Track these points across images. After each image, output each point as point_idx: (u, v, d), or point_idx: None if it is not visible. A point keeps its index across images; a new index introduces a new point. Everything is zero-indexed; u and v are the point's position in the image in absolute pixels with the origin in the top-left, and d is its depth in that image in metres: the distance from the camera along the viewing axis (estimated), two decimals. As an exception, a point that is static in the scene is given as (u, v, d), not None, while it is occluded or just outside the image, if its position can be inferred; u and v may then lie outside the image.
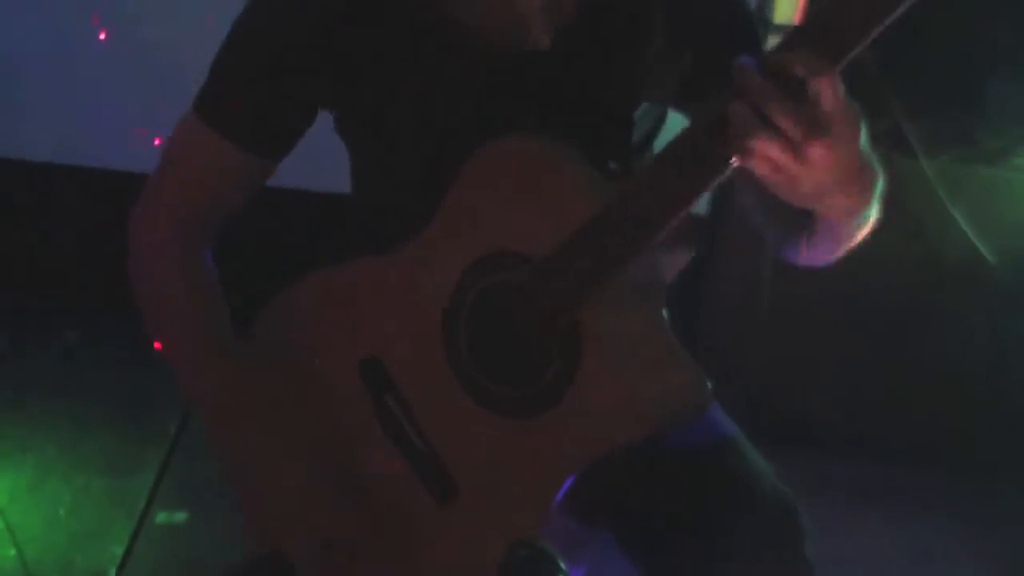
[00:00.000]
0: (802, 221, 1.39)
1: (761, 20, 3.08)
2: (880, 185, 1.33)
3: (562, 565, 1.10)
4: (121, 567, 2.48)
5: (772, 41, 3.01)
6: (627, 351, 1.33)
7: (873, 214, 1.36)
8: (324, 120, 1.60)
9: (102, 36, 3.17)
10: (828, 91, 1.15)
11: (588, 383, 1.33)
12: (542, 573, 1.08)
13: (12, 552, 2.46)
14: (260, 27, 1.52)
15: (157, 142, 3.21)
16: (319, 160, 1.75)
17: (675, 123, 1.53)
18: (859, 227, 1.38)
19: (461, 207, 1.41)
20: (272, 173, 1.59)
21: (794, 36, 1.20)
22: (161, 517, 2.66)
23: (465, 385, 1.41)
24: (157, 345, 1.62)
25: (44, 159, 3.30)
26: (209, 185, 1.58)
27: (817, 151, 1.17)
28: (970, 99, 3.06)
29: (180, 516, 2.68)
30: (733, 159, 1.21)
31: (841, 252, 1.45)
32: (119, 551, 2.53)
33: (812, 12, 1.18)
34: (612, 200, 1.30)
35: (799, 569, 1.45)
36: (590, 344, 1.33)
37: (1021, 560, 2.89)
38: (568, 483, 1.35)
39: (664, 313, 1.43)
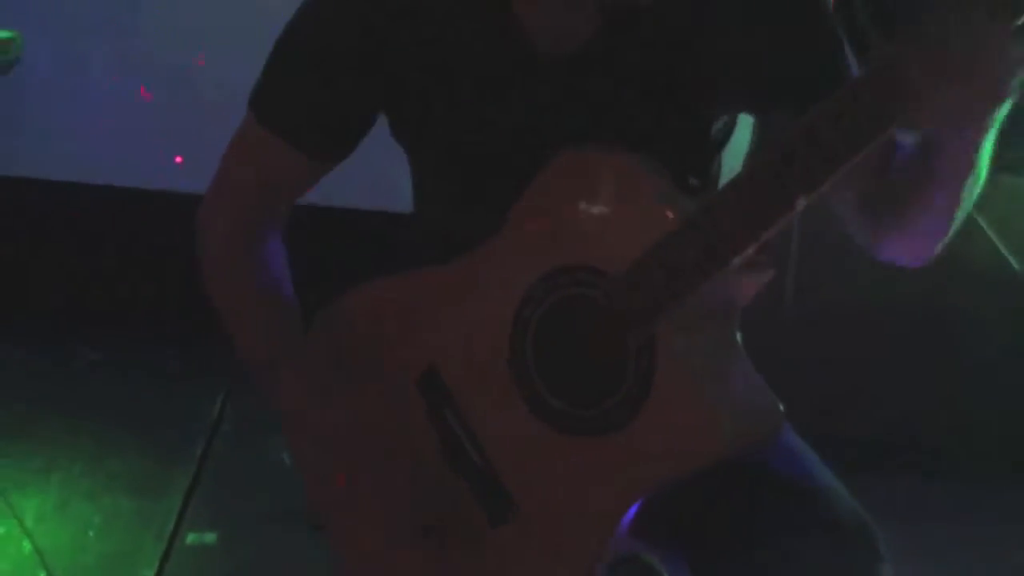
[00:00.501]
0: (907, 210, 1.37)
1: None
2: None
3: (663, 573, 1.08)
4: (152, 589, 2.48)
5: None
6: (703, 374, 1.31)
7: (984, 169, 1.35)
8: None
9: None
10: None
11: (662, 405, 1.31)
12: None
13: (43, 574, 2.46)
14: (312, 28, 1.51)
15: (178, 160, 3.23)
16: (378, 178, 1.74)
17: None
18: (975, 182, 1.35)
19: (533, 217, 1.39)
20: (332, 168, 1.59)
21: None
22: (191, 538, 2.66)
23: (529, 402, 1.38)
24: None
25: (66, 178, 3.32)
26: (267, 183, 1.58)
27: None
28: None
29: (210, 537, 2.67)
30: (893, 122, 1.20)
31: (947, 231, 1.42)
32: (150, 573, 2.52)
33: None
34: (694, 216, 1.28)
35: None
36: (664, 365, 1.31)
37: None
38: (635, 508, 1.33)
39: (738, 336, 1.40)
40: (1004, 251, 3.02)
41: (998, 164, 3.23)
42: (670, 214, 1.30)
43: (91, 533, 2.64)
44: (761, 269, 1.32)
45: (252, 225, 1.60)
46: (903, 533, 2.77)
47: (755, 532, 1.42)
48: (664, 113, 1.45)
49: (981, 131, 1.27)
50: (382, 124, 1.59)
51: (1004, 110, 1.25)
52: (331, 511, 1.55)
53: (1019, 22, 1.16)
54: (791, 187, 1.23)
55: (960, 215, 1.38)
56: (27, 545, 2.54)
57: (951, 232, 1.41)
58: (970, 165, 1.31)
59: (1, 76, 2.77)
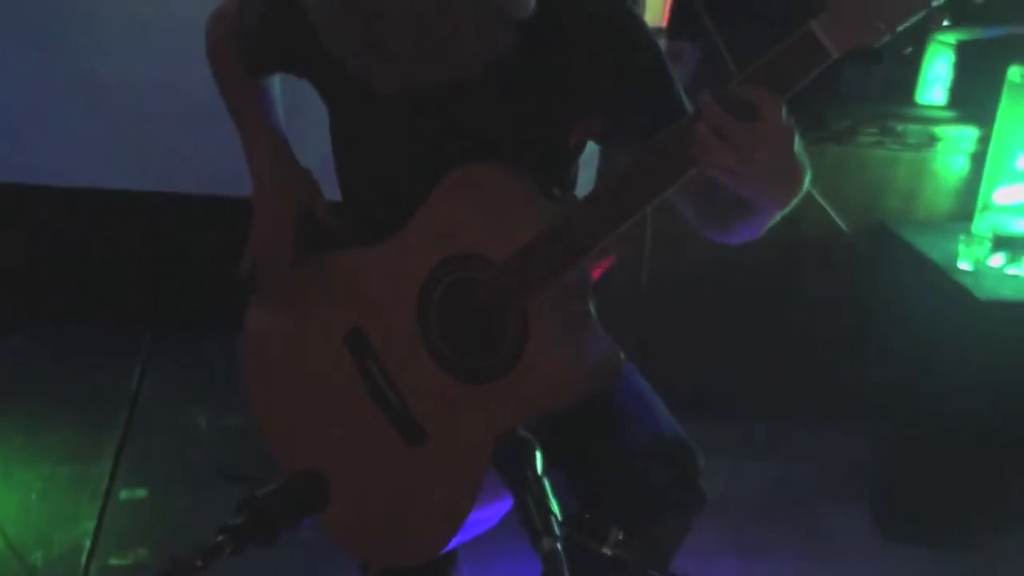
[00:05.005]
0: (733, 214, 1.71)
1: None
2: (808, 177, 1.63)
3: (536, 442, 1.44)
4: (95, 540, 2.78)
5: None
6: (563, 338, 1.72)
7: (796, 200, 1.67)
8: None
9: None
10: (773, 114, 1.51)
11: (533, 358, 1.71)
12: (523, 448, 1.42)
13: (-5, 534, 2.75)
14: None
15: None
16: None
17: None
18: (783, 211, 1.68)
19: (436, 215, 1.77)
20: None
21: (750, 74, 1.54)
22: (124, 495, 2.97)
23: (433, 355, 1.79)
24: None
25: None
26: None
27: (762, 156, 1.52)
28: (822, 83, 3.41)
29: (141, 492, 2.98)
30: (687, 172, 1.55)
31: (766, 227, 1.74)
32: (90, 526, 2.83)
33: (765, 59, 1.53)
34: (558, 220, 1.66)
35: (694, 496, 1.84)
36: (534, 332, 1.71)
37: (884, 495, 3.29)
38: None
39: (591, 304, 1.79)
40: (832, 215, 3.39)
41: (825, 135, 3.56)
42: (538, 215, 1.70)
43: (33, 496, 2.93)
44: (604, 256, 1.72)
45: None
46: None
47: (601, 446, 1.83)
48: (532, 135, 1.82)
49: (784, 189, 1.60)
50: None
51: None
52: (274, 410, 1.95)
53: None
54: (622, 209, 1.63)
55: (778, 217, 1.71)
56: (-23, 510, 2.83)
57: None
58: (776, 198, 1.63)
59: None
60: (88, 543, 2.77)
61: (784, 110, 1.54)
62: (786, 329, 3.59)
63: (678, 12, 3.44)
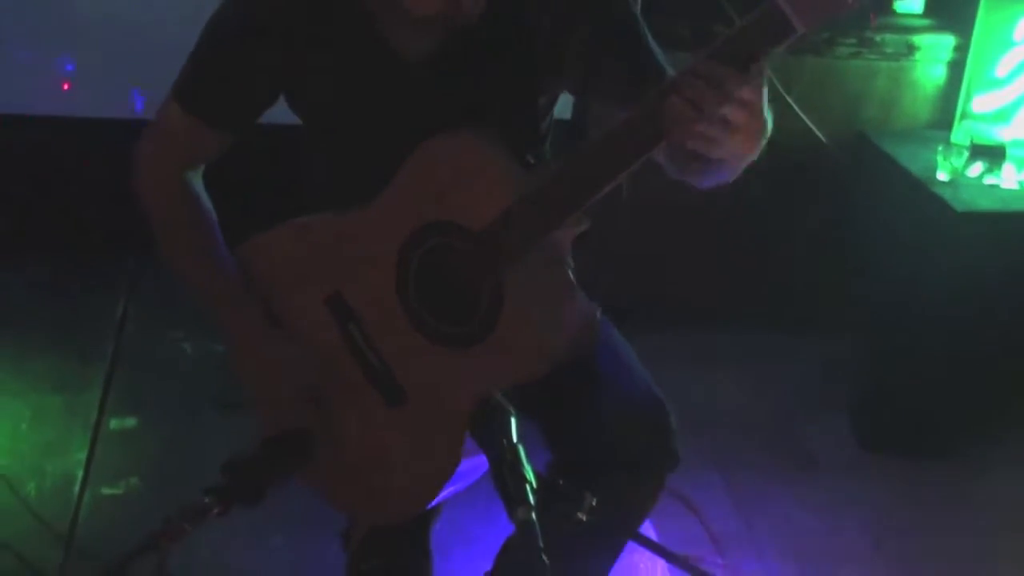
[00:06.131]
0: (705, 168, 1.71)
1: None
2: (769, 130, 1.63)
3: (511, 410, 1.46)
4: (87, 469, 2.82)
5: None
6: (538, 302, 1.73)
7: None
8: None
9: None
10: (750, 88, 1.51)
11: (508, 326, 1.73)
12: (498, 416, 1.44)
13: (-14, 464, 2.79)
14: (223, 33, 1.85)
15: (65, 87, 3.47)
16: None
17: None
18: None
19: (413, 183, 1.77)
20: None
21: (714, 49, 1.51)
22: (114, 424, 3.00)
23: (412, 319, 1.81)
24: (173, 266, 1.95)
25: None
26: (193, 148, 1.94)
27: (739, 120, 1.51)
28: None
29: (130, 422, 3.02)
30: (659, 143, 1.55)
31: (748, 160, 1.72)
32: (82, 456, 2.86)
33: (729, 33, 1.50)
34: (533, 188, 1.66)
35: (668, 459, 1.88)
36: (511, 296, 1.72)
37: (864, 406, 3.33)
38: None
39: (569, 270, 1.81)
40: (812, 127, 3.39)
41: (803, 46, 3.55)
42: (512, 183, 1.70)
43: (23, 426, 2.96)
44: (579, 222, 1.73)
45: (179, 167, 1.94)
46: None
47: (575, 406, 1.86)
48: (502, 101, 1.83)
49: (752, 147, 1.61)
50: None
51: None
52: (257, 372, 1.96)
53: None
54: (595, 179, 1.62)
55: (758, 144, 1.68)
56: (-33, 440, 2.86)
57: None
58: (746, 152, 1.64)
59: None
60: (80, 473, 2.80)
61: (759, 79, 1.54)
62: (765, 241, 3.61)
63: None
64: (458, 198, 1.74)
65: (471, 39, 1.78)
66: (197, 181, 1.97)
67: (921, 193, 3.09)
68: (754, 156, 1.65)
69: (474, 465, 1.82)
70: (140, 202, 1.94)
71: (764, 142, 1.63)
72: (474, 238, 1.72)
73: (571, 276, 1.79)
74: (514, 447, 1.40)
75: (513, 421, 1.44)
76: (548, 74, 1.85)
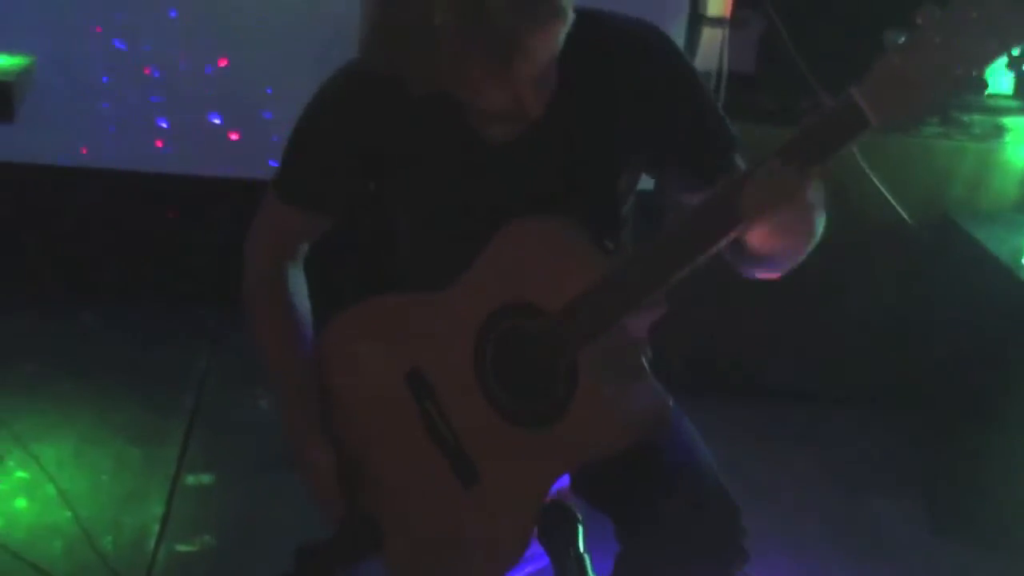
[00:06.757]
0: (755, 264, 1.75)
1: (694, 14, 3.46)
2: (818, 233, 1.70)
3: (579, 517, 1.48)
4: (163, 524, 2.87)
5: (706, 34, 3.39)
6: (611, 386, 1.74)
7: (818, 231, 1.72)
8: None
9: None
10: (807, 185, 1.55)
11: (581, 408, 1.74)
12: (566, 523, 1.45)
13: (68, 514, 2.85)
14: (313, 128, 1.93)
15: (159, 144, 3.57)
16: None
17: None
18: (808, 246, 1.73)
19: (494, 265, 1.81)
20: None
21: (787, 148, 1.55)
22: (191, 480, 3.05)
23: (488, 398, 1.83)
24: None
25: (60, 163, 3.65)
26: (292, 235, 2.03)
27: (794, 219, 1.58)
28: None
29: (206, 478, 3.07)
30: (734, 230, 1.58)
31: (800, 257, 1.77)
32: (159, 511, 2.91)
33: (800, 131, 1.55)
34: (613, 269, 1.69)
35: (737, 556, 1.85)
36: (584, 378, 1.74)
37: (937, 490, 3.28)
38: (559, 481, 1.78)
39: (643, 356, 1.82)
40: (896, 206, 3.37)
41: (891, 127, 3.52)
42: (591, 268, 1.71)
43: (104, 477, 3.03)
44: (658, 306, 1.75)
45: (281, 259, 2.03)
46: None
47: (642, 498, 1.85)
48: (581, 186, 1.86)
49: (798, 243, 1.68)
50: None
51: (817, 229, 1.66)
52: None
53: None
54: (670, 264, 1.64)
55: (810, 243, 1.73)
56: (51, 488, 2.93)
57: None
58: (798, 251, 1.71)
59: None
60: (156, 528, 2.85)
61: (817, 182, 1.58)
62: (842, 317, 3.59)
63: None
64: (536, 280, 1.77)
65: (551, 126, 1.80)
66: (296, 275, 2.05)
67: (1007, 278, 3.06)
68: (801, 256, 1.70)
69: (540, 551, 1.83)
70: (242, 291, 2.04)
71: (812, 244, 1.69)
72: (550, 319, 1.74)
73: (644, 361, 1.80)
74: (580, 557, 1.42)
75: (580, 529, 1.45)
76: (624, 162, 1.88)
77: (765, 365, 3.59)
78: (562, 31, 1.62)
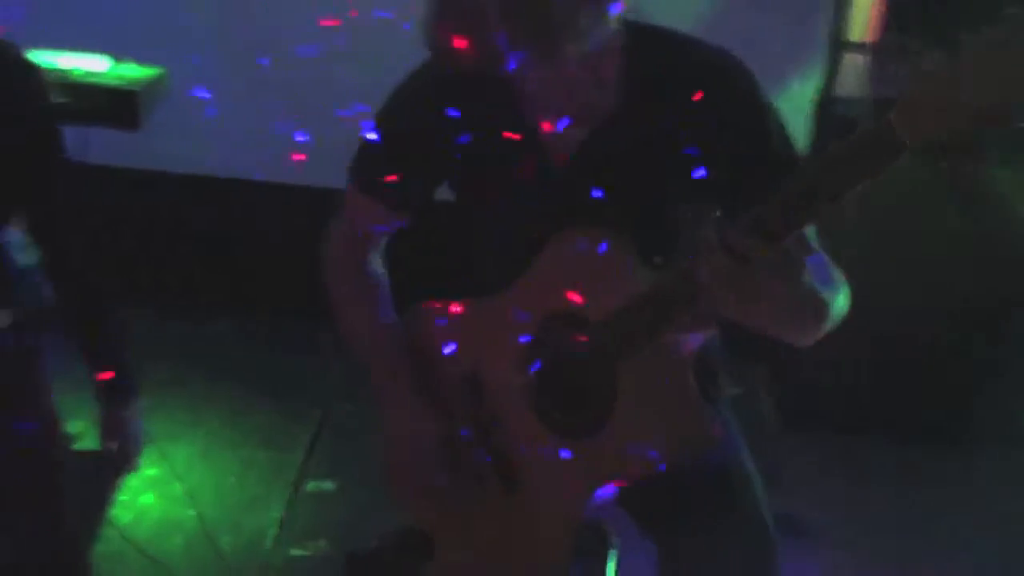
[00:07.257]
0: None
1: (834, 40, 3.39)
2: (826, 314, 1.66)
3: (614, 545, 1.46)
4: (280, 528, 2.93)
5: (851, 60, 3.33)
6: (652, 402, 1.73)
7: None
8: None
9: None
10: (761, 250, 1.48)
11: (619, 422, 1.74)
12: (600, 547, 1.44)
13: (192, 513, 2.93)
14: (390, 112, 1.93)
15: (299, 158, 3.63)
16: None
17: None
18: (803, 313, 1.66)
19: (546, 273, 1.81)
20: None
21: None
22: (311, 486, 3.12)
23: (533, 408, 1.83)
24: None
25: (205, 172, 3.77)
26: (369, 225, 2.03)
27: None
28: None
29: (328, 485, 3.12)
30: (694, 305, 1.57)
31: (806, 333, 1.72)
32: (278, 515, 2.98)
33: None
34: (657, 284, 1.67)
35: None
36: (624, 392, 1.73)
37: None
38: (595, 495, 1.77)
39: (689, 373, 1.76)
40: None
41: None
42: (636, 281, 1.70)
43: (231, 479, 3.11)
44: (706, 325, 1.72)
45: (359, 247, 2.04)
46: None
47: (692, 539, 1.83)
48: (634, 200, 1.81)
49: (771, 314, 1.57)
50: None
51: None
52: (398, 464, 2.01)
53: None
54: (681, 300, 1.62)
55: (808, 319, 1.68)
56: (178, 487, 3.03)
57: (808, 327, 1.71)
58: (781, 321, 1.63)
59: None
60: (274, 531, 2.91)
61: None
62: (986, 358, 3.48)
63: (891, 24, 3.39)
64: (583, 289, 1.76)
65: (612, 137, 1.78)
66: (374, 259, 2.06)
67: None
68: (802, 324, 1.67)
69: None
70: (322, 273, 2.06)
71: (813, 309, 1.64)
72: (593, 329, 1.74)
73: (692, 380, 1.75)
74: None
75: (612, 556, 1.43)
76: (681, 186, 1.81)
77: (861, 400, 3.43)
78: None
